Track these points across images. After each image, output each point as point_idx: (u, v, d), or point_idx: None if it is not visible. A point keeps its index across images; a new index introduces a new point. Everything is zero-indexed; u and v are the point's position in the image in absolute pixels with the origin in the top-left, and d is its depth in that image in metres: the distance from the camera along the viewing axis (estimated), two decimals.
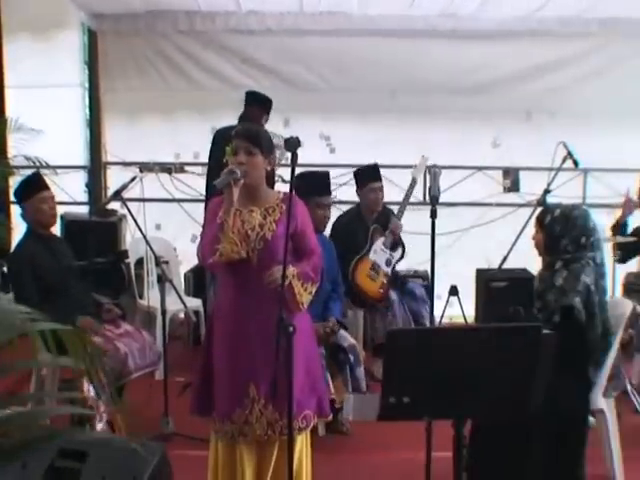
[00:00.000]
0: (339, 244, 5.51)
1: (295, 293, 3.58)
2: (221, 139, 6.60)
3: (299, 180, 3.72)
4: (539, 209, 5.66)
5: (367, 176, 6.26)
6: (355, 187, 6.39)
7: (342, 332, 5.15)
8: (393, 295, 6.13)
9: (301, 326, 3.49)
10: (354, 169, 6.52)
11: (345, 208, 6.81)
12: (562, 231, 4.17)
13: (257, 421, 3.59)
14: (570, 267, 4.13)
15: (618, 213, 6.36)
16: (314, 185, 5.07)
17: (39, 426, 2.66)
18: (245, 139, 3.58)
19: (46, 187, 5.15)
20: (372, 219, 6.30)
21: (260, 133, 3.69)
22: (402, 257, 6.37)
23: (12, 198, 6.68)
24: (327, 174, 5.34)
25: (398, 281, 6.42)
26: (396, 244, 6.25)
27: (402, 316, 6.09)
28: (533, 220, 5.68)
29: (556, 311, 4.04)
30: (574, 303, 4.01)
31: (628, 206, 6.24)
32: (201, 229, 4.27)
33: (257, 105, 6.52)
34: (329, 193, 5.15)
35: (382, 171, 6.38)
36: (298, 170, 3.53)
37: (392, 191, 7.50)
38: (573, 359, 4.04)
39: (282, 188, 5.82)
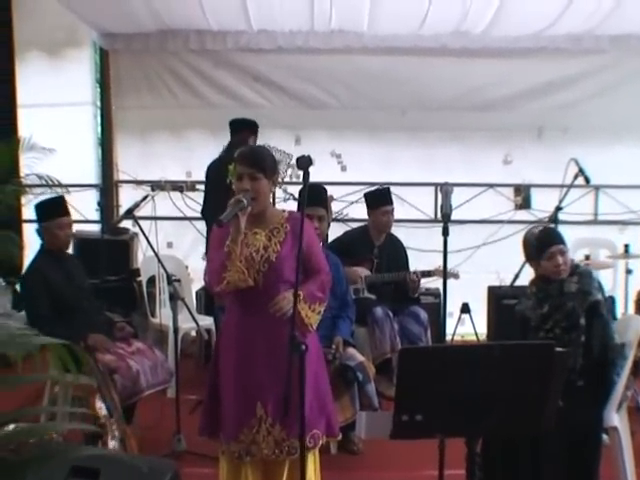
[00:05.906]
0: (339, 253, 5.47)
1: (303, 317, 3.53)
2: (215, 170, 6.67)
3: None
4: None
5: (380, 198, 6.26)
6: (366, 208, 6.37)
7: (350, 350, 5.11)
8: (379, 311, 6.04)
9: (310, 345, 3.46)
10: (365, 187, 6.50)
11: (356, 226, 6.81)
12: None
13: (264, 440, 3.56)
14: (577, 271, 4.15)
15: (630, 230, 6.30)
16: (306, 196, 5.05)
17: (52, 443, 2.66)
18: (248, 165, 3.50)
19: (66, 213, 5.18)
20: (379, 240, 6.29)
21: (263, 155, 3.59)
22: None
23: (24, 217, 6.72)
24: (322, 186, 5.30)
25: (388, 299, 6.30)
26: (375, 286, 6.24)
27: (390, 333, 6.00)
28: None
29: (580, 314, 4.04)
30: (599, 297, 4.03)
31: None
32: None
33: (245, 129, 6.65)
34: (320, 204, 5.06)
35: (392, 188, 6.38)
36: None
37: (402, 209, 7.50)
38: (596, 368, 4.04)
39: (293, 206, 5.84)
